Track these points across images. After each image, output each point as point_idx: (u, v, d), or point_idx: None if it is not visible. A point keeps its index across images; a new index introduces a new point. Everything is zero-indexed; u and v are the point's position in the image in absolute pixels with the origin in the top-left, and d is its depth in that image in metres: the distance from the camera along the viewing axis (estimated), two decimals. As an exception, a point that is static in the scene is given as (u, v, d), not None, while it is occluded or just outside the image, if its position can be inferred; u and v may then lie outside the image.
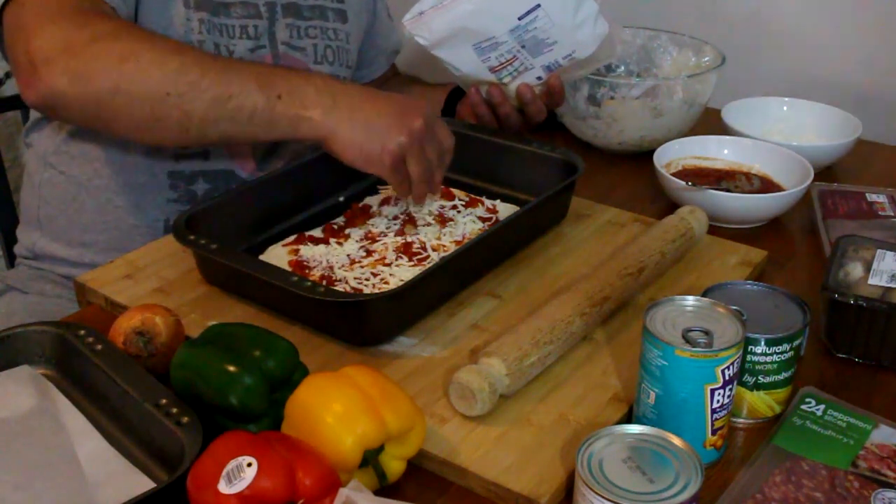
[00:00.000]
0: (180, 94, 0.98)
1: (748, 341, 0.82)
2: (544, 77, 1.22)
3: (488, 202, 1.17)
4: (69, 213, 1.24)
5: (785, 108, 1.47)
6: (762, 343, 0.83)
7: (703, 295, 0.86)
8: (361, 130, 0.99)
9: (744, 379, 0.85)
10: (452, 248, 1.06)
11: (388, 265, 1.03)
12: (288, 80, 1.01)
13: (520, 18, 1.15)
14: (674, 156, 1.30)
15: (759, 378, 0.85)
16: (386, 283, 1.00)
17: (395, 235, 1.08)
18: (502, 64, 1.19)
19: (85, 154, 1.21)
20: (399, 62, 1.55)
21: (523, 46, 1.17)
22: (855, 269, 0.98)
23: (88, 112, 1.01)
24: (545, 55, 1.19)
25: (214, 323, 0.90)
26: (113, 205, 1.22)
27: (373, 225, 1.11)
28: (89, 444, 0.80)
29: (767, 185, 1.26)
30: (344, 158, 1.01)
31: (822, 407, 0.86)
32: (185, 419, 0.76)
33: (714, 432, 0.79)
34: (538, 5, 1.14)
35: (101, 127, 1.09)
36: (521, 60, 1.19)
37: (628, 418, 0.85)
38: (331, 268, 1.02)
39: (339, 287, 0.99)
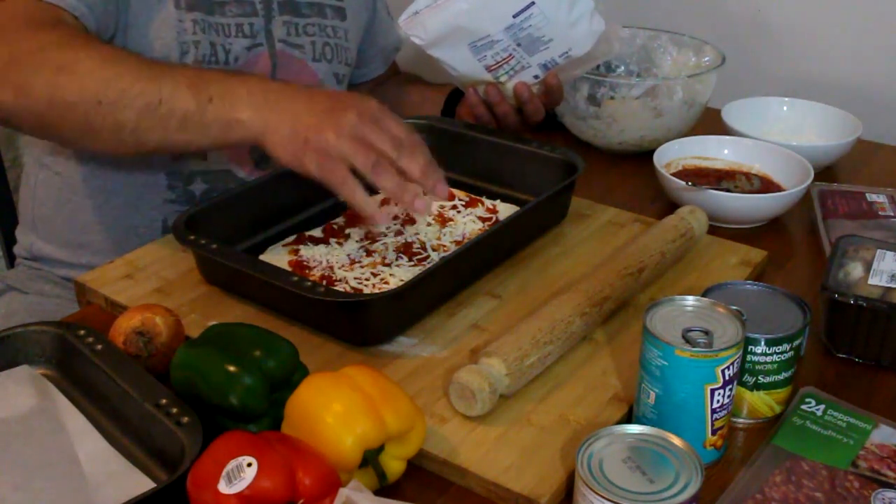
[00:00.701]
0: (111, 103, 0.96)
1: (748, 341, 0.82)
2: (541, 75, 1.22)
3: (488, 202, 1.17)
4: (65, 214, 1.24)
5: (785, 108, 1.47)
6: (762, 343, 0.83)
7: (703, 295, 0.86)
8: (288, 127, 0.94)
9: (744, 379, 0.85)
10: (452, 248, 1.06)
11: (388, 265, 1.03)
12: (220, 84, 0.97)
13: (514, 16, 1.15)
14: (674, 156, 1.30)
15: (759, 378, 0.85)
16: (386, 283, 1.00)
17: (395, 235, 1.08)
18: (498, 63, 1.19)
19: (81, 155, 1.21)
20: (401, 61, 1.55)
21: (519, 45, 1.17)
22: (855, 269, 0.98)
23: (31, 123, 1.01)
24: (541, 53, 1.19)
25: (214, 323, 0.90)
26: (110, 205, 1.22)
27: (373, 225, 1.11)
28: (89, 444, 0.80)
29: (767, 185, 1.26)
30: (276, 159, 0.96)
31: (822, 407, 0.86)
32: (185, 419, 0.76)
33: (714, 432, 0.79)
34: (532, 3, 1.14)
35: (46, 136, 1.10)
36: (517, 59, 1.19)
37: (628, 418, 0.85)
38: (331, 268, 1.02)
39: (339, 287, 0.99)
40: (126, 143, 0.99)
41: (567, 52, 1.19)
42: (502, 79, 1.22)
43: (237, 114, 0.96)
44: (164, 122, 0.97)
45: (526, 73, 1.21)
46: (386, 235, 1.08)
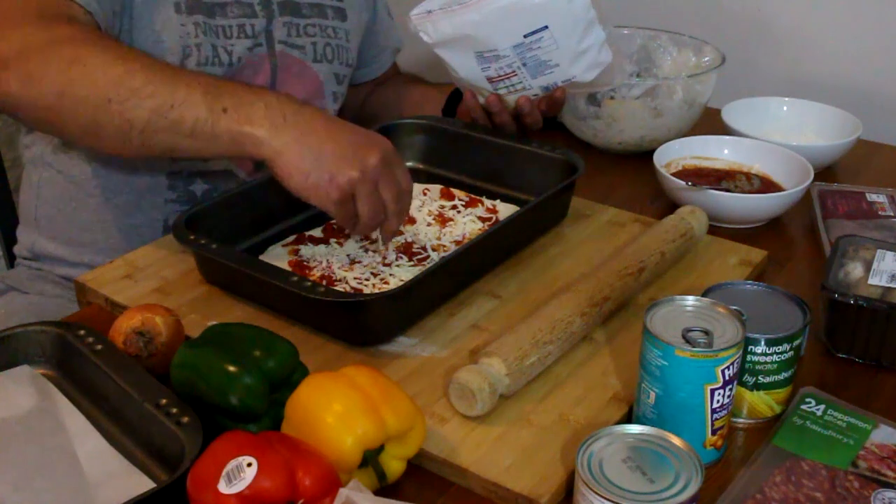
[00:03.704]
0: (121, 101, 0.94)
1: (748, 341, 0.82)
2: (540, 95, 1.22)
3: (488, 202, 1.17)
4: (67, 213, 1.24)
5: (785, 108, 1.47)
6: (762, 343, 0.83)
7: (703, 295, 0.86)
8: (310, 157, 0.92)
9: (744, 379, 0.85)
10: (452, 248, 1.06)
11: (388, 265, 1.03)
12: (237, 94, 0.95)
13: (525, 36, 1.15)
14: (674, 156, 1.30)
15: (759, 378, 0.85)
16: (386, 283, 1.00)
17: (395, 235, 1.08)
18: (500, 76, 1.19)
19: (83, 154, 1.21)
20: (402, 60, 1.55)
21: (524, 64, 1.17)
22: (855, 269, 0.98)
23: (38, 115, 0.99)
24: (545, 76, 1.19)
25: (214, 323, 0.90)
26: (111, 204, 1.22)
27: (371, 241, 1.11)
28: (89, 444, 0.80)
29: (767, 185, 1.26)
30: (287, 184, 0.94)
31: (822, 407, 0.86)
32: (185, 419, 0.76)
33: (714, 432, 0.79)
34: (546, 27, 1.14)
35: (51, 131, 1.08)
36: (519, 78, 1.19)
37: (628, 418, 0.85)
38: (331, 268, 1.02)
39: (339, 287, 0.99)
40: (132, 144, 0.98)
41: (570, 80, 1.19)
42: (501, 92, 1.22)
43: (251, 128, 0.93)
44: (174, 126, 0.95)
45: (525, 94, 1.21)
46: (386, 235, 1.08)
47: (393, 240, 1.07)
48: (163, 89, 0.95)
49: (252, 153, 0.94)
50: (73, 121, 0.98)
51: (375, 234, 1.03)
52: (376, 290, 0.98)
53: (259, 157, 0.94)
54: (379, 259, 1.04)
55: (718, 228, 1.17)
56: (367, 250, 1.06)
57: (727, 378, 0.77)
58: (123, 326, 0.88)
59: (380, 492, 0.76)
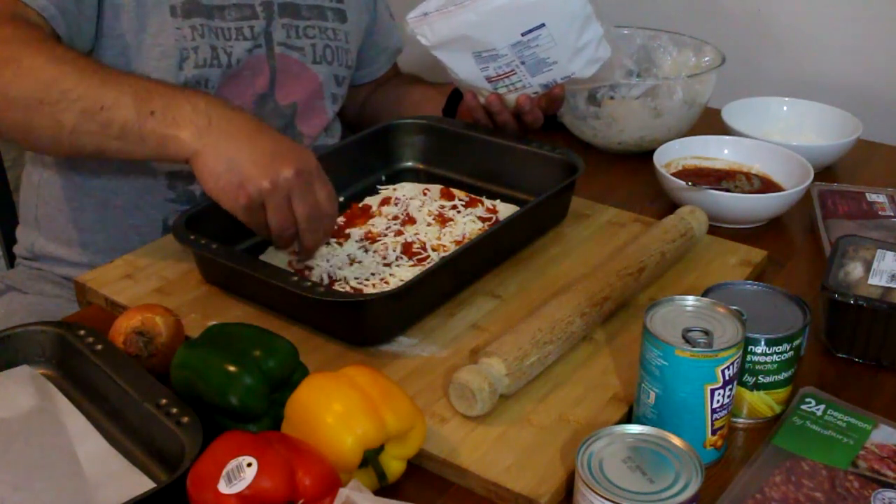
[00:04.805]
0: (52, 103, 0.96)
1: (748, 341, 0.82)
2: (540, 92, 1.22)
3: (488, 202, 1.17)
4: (67, 213, 1.24)
5: (785, 108, 1.47)
6: (762, 343, 0.83)
7: (703, 295, 0.86)
8: (223, 161, 0.93)
9: (744, 379, 0.85)
10: (452, 248, 1.06)
11: (388, 265, 1.03)
12: (166, 97, 0.96)
13: (523, 34, 1.15)
14: (674, 156, 1.30)
15: (759, 378, 0.85)
16: (386, 283, 1.00)
17: (395, 235, 1.08)
18: (500, 76, 1.19)
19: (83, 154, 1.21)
20: (402, 61, 1.55)
21: (523, 63, 1.17)
22: (855, 269, 0.98)
23: None
24: (544, 74, 1.19)
25: (214, 323, 0.90)
26: (111, 205, 1.22)
27: (373, 225, 1.11)
28: (89, 444, 0.80)
29: (767, 185, 1.26)
30: (202, 185, 0.95)
31: (822, 407, 0.86)
32: (185, 419, 0.76)
33: (714, 432, 0.79)
34: (543, 24, 1.14)
35: None
36: (518, 76, 1.19)
37: (628, 418, 0.85)
38: (331, 267, 1.02)
39: (339, 287, 0.99)
40: (63, 145, 0.99)
41: (569, 76, 1.19)
42: (501, 91, 1.22)
43: (176, 130, 0.95)
44: (103, 128, 0.96)
45: (525, 92, 1.21)
46: (386, 235, 1.08)
47: (393, 240, 1.07)
48: (93, 92, 0.96)
49: (175, 154, 0.96)
50: (5, 120, 0.99)
51: (297, 247, 1.01)
52: (376, 290, 0.98)
53: (181, 158, 0.95)
54: (379, 259, 1.04)
55: (718, 228, 1.17)
56: (367, 250, 1.06)
57: (727, 378, 0.77)
58: (123, 326, 0.88)
59: (380, 492, 0.76)
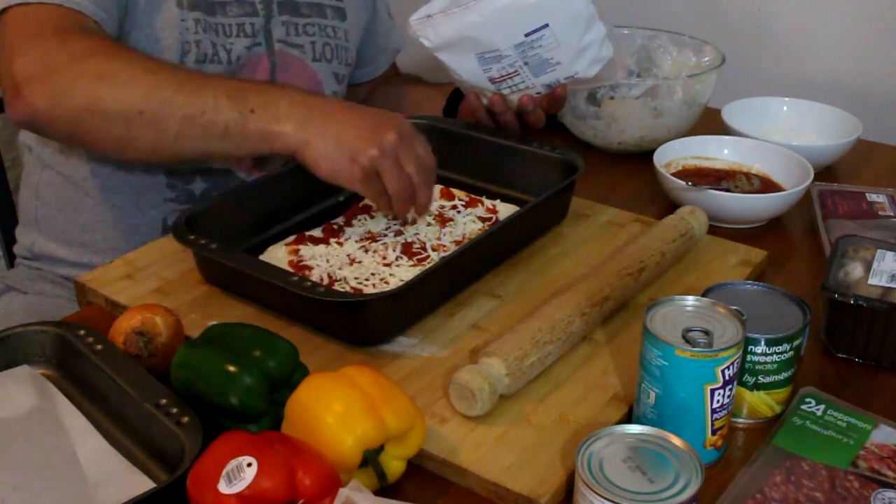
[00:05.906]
0: (154, 113, 0.98)
1: (748, 341, 0.82)
2: (543, 93, 1.22)
3: (488, 202, 1.17)
4: (67, 213, 1.24)
5: (785, 108, 1.47)
6: (762, 343, 0.83)
7: (703, 295, 0.86)
8: (332, 142, 0.98)
9: (744, 379, 0.85)
10: (452, 248, 1.06)
11: (388, 265, 1.03)
12: (261, 94, 1.00)
13: (526, 35, 1.15)
14: (674, 156, 1.30)
15: (759, 378, 0.85)
16: (386, 283, 1.00)
17: (395, 235, 1.08)
18: (503, 77, 1.19)
19: (82, 154, 1.21)
20: (403, 62, 1.55)
21: (526, 63, 1.17)
22: (855, 269, 0.98)
23: (68, 131, 1.02)
24: (547, 75, 1.19)
25: (214, 323, 0.90)
26: (111, 204, 1.22)
27: (373, 225, 1.11)
28: (89, 444, 0.80)
29: (767, 185, 1.26)
30: (317, 172, 0.99)
31: (822, 407, 0.86)
32: (185, 419, 0.76)
33: (714, 432, 0.79)
34: (546, 25, 1.14)
35: (80, 144, 1.12)
36: (521, 77, 1.19)
37: (628, 418, 0.85)
38: (331, 268, 1.02)
39: (339, 287, 0.99)
40: (164, 152, 1.02)
41: (572, 76, 1.19)
42: (504, 92, 1.22)
43: (279, 125, 0.98)
44: (206, 132, 0.99)
45: (528, 92, 1.21)
46: (386, 235, 1.08)
47: (393, 240, 1.07)
48: (191, 97, 0.99)
49: (281, 148, 0.99)
50: (105, 134, 1.01)
51: (411, 216, 1.07)
52: (376, 290, 0.98)
53: (287, 151, 0.99)
54: (379, 259, 1.04)
55: (718, 228, 1.17)
56: (367, 250, 1.06)
57: (727, 378, 0.77)
58: (123, 326, 0.88)
59: (380, 492, 0.76)
